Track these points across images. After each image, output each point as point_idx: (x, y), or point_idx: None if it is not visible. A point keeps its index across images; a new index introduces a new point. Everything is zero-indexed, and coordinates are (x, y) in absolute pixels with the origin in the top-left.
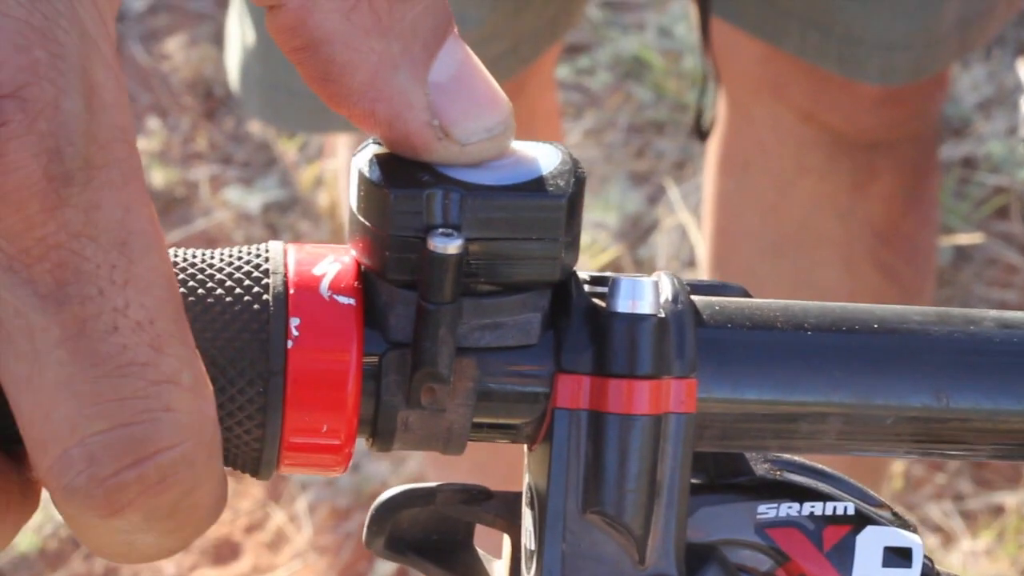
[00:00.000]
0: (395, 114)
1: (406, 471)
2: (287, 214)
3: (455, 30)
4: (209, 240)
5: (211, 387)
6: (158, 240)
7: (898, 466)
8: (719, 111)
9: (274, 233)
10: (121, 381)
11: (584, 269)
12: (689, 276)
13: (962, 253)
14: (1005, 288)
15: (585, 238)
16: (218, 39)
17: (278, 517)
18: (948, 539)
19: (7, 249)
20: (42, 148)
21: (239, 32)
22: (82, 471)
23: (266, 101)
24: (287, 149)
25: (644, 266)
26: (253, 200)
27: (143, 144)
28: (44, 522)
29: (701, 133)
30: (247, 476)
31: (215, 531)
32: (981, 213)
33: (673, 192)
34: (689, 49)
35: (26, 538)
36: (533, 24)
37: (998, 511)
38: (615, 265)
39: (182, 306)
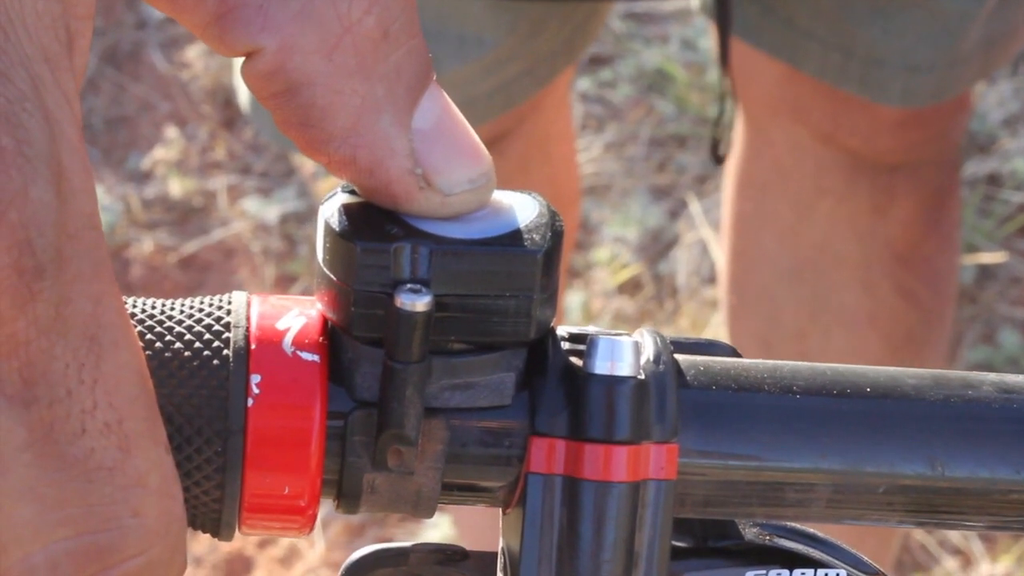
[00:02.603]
0: (377, 160)
1: None
2: (304, 225)
3: (435, 77)
4: (227, 250)
5: (179, 483)
6: (127, 332)
7: None
8: (737, 132)
9: (291, 244)
10: (87, 486)
11: (604, 285)
12: (709, 292)
13: (986, 271)
14: None
15: (605, 253)
16: None
17: None
18: (968, 562)
19: None
20: (13, 240)
21: None
22: None
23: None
24: (305, 161)
25: (664, 281)
26: (271, 211)
27: (162, 153)
28: None
29: (718, 158)
30: None
31: (228, 546)
32: (1005, 231)
33: (695, 207)
34: (712, 63)
35: None
36: (550, 45)
37: (1018, 535)
38: (635, 281)
39: (154, 399)
